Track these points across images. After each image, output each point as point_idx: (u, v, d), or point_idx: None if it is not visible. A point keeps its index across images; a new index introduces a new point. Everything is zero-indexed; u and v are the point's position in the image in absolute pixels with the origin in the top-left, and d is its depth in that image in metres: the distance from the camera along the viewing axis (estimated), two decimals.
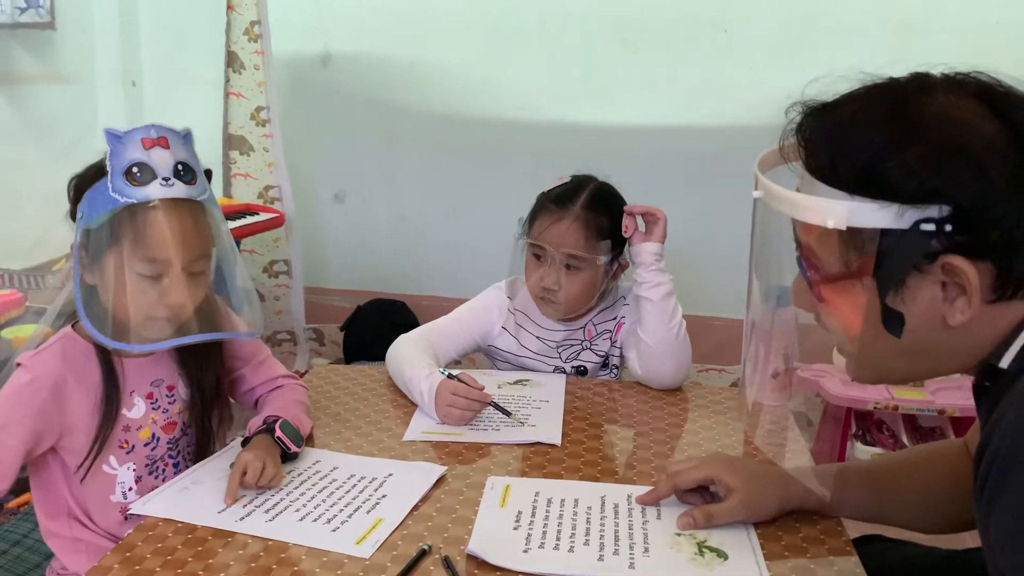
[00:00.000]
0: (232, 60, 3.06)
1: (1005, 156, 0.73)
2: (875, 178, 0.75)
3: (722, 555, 1.02)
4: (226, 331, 1.26)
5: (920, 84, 0.79)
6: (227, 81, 3.09)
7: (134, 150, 1.10)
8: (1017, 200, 0.73)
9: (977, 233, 0.74)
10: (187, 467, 1.29)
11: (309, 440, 1.33)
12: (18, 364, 1.18)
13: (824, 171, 0.79)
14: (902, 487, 1.11)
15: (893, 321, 0.79)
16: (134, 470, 1.24)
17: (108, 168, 1.10)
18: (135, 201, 1.10)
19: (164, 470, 1.28)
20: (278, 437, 1.22)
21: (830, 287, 0.84)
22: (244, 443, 1.24)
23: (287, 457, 1.24)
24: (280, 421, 1.24)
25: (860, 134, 0.78)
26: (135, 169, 1.10)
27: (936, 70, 0.80)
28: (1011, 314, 0.78)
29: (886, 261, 0.77)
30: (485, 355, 1.76)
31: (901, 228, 0.75)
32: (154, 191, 1.10)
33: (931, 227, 0.74)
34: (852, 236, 0.78)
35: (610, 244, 1.59)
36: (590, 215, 1.57)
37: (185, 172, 1.13)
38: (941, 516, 1.09)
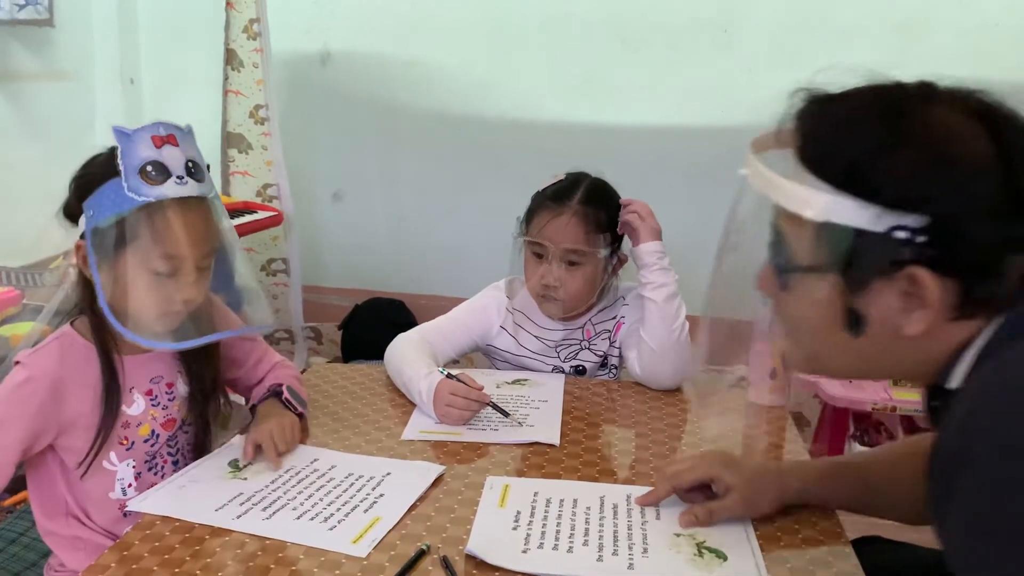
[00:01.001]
0: (231, 58, 3.06)
1: (991, 178, 0.73)
2: (861, 176, 0.75)
3: (721, 556, 1.02)
4: (237, 328, 1.32)
5: (925, 92, 0.79)
6: (226, 79, 3.08)
7: (145, 148, 1.11)
8: (994, 224, 0.73)
9: (948, 249, 0.74)
10: (185, 463, 1.30)
11: (307, 438, 1.33)
12: (16, 362, 1.18)
13: (814, 161, 0.79)
14: (892, 479, 1.11)
15: (854, 322, 0.80)
16: (134, 467, 1.24)
17: (120, 166, 1.10)
18: (152, 200, 1.11)
19: (163, 467, 1.28)
20: (285, 399, 1.33)
21: (795, 277, 0.85)
22: (251, 410, 1.35)
23: None
24: (285, 385, 1.35)
25: (856, 130, 0.78)
26: (150, 168, 1.11)
27: (945, 82, 0.80)
28: (963, 333, 0.78)
29: (855, 261, 0.77)
30: (484, 355, 1.76)
31: (876, 231, 0.75)
32: (170, 190, 1.12)
33: (906, 235, 0.74)
34: (827, 230, 0.78)
35: (609, 237, 1.60)
36: (588, 209, 1.57)
37: (195, 170, 1.15)
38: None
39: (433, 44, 3.24)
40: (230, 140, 3.13)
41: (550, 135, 3.13)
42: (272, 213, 3.02)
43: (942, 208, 0.73)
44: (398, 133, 3.36)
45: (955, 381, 0.78)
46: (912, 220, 0.73)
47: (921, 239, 0.73)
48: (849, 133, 0.78)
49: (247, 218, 2.91)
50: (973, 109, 0.77)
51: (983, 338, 0.77)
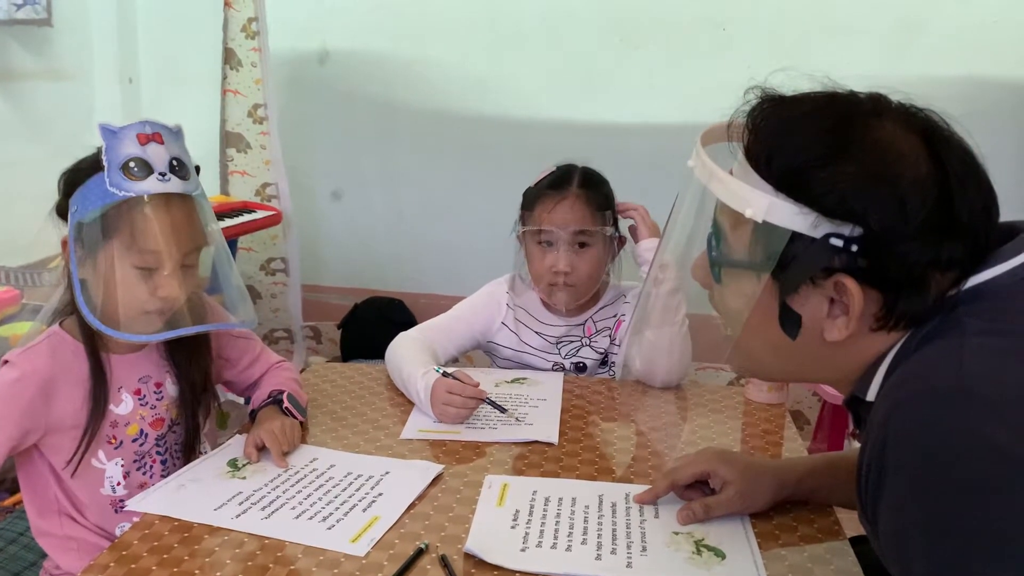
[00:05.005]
0: (229, 57, 3.06)
1: (927, 198, 0.75)
2: (803, 183, 0.77)
3: (720, 554, 1.02)
4: (222, 323, 1.30)
5: (874, 107, 0.81)
6: (224, 78, 3.08)
7: (130, 145, 1.11)
8: (923, 242, 0.75)
9: (878, 262, 0.76)
10: (174, 462, 1.30)
11: (306, 437, 1.33)
12: (5, 361, 1.19)
13: (759, 161, 0.81)
14: None
15: (789, 322, 0.82)
16: (122, 465, 1.24)
17: (104, 162, 1.11)
18: (133, 195, 1.11)
19: (152, 466, 1.28)
20: (286, 408, 1.32)
21: (729, 271, 0.87)
22: (251, 415, 1.33)
23: None
24: (286, 393, 1.34)
25: (802, 137, 0.79)
26: (132, 164, 1.11)
27: (895, 97, 0.81)
28: (881, 344, 0.80)
29: (788, 263, 0.79)
30: (485, 352, 1.76)
31: (812, 237, 0.77)
32: (151, 186, 1.12)
33: (839, 243, 0.76)
34: (765, 231, 0.80)
35: (611, 216, 1.62)
36: (588, 192, 1.60)
37: (179, 167, 1.15)
38: None
39: (432, 42, 3.24)
40: (229, 139, 3.13)
41: (549, 133, 3.12)
42: (271, 212, 3.02)
43: (876, 223, 0.75)
44: (397, 132, 3.35)
45: (872, 393, 0.81)
46: (847, 229, 0.75)
47: (853, 248, 0.75)
48: (797, 138, 0.79)
49: (246, 217, 2.90)
50: (919, 128, 0.79)
51: (894, 351, 0.80)
